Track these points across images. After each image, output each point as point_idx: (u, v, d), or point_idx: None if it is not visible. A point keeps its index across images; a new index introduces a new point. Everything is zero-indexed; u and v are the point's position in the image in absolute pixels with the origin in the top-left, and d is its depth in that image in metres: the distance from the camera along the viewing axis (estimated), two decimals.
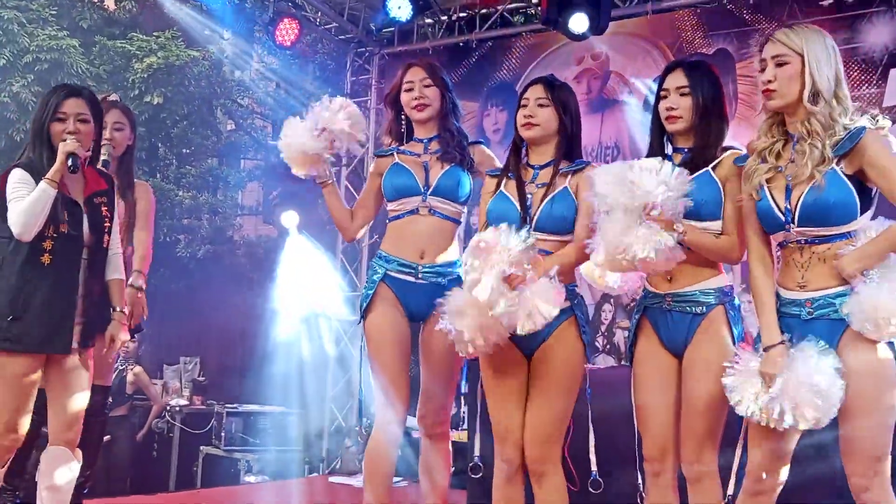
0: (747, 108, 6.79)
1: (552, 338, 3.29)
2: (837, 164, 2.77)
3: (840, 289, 2.78)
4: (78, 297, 3.59)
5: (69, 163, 3.51)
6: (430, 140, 3.83)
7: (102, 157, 3.99)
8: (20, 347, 3.47)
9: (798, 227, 2.81)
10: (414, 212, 3.75)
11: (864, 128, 2.77)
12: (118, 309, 3.79)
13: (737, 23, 6.90)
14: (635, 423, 3.25)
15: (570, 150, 3.45)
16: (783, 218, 2.83)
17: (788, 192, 2.83)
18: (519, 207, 3.35)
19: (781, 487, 2.95)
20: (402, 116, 3.91)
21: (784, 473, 2.93)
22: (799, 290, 2.84)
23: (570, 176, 3.37)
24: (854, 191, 2.76)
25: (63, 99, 3.60)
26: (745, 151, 3.15)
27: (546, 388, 3.32)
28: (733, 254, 3.15)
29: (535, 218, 3.33)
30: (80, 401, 3.62)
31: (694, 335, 3.13)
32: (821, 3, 6.57)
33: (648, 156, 3.25)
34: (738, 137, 6.29)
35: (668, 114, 3.19)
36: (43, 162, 3.56)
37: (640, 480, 3.33)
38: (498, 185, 3.47)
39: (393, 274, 3.73)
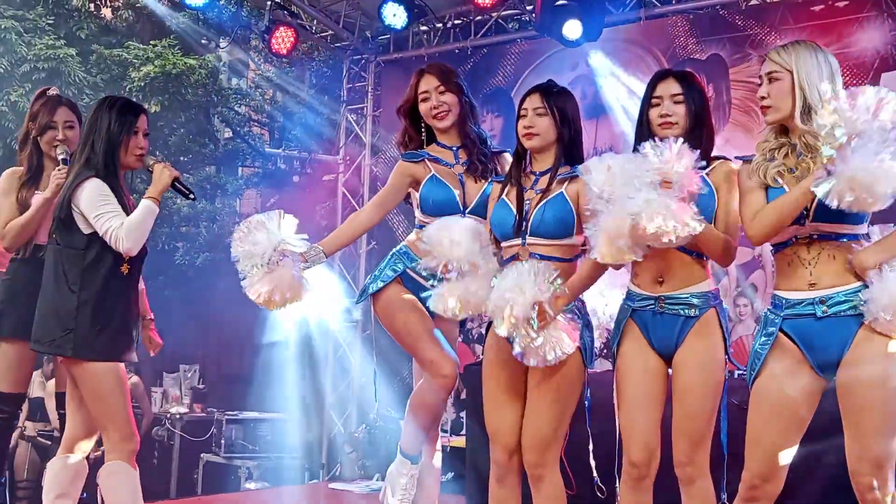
0: (741, 114, 6.84)
1: None
2: None
3: (853, 286, 2.81)
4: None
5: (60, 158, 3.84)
6: (458, 148, 3.85)
7: (61, 157, 3.98)
8: (114, 357, 3.63)
9: (813, 221, 2.84)
10: None
11: None
12: (148, 317, 4.11)
13: (729, 28, 6.95)
14: (618, 425, 3.27)
15: (570, 155, 3.46)
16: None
17: None
18: (516, 214, 3.38)
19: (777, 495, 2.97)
20: (423, 124, 3.90)
21: (781, 482, 2.95)
22: (809, 288, 2.86)
23: (567, 182, 3.38)
24: None
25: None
26: (732, 161, 3.25)
27: (544, 394, 3.33)
28: (733, 255, 3.20)
29: (530, 223, 3.36)
30: None
31: (686, 337, 3.15)
32: (812, 8, 6.62)
33: None
34: (732, 141, 6.41)
35: (663, 120, 3.22)
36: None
37: (616, 484, 3.35)
38: (501, 192, 3.51)
39: (412, 274, 3.73)
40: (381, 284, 3.75)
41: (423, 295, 3.53)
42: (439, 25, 8.29)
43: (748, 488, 2.96)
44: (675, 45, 7.20)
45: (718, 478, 3.21)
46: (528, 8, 7.66)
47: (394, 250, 3.87)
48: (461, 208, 3.73)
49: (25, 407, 7.03)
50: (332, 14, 8.23)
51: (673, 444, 3.16)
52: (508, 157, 3.81)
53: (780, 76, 2.92)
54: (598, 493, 3.48)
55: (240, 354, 9.20)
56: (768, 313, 3.01)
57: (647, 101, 3.30)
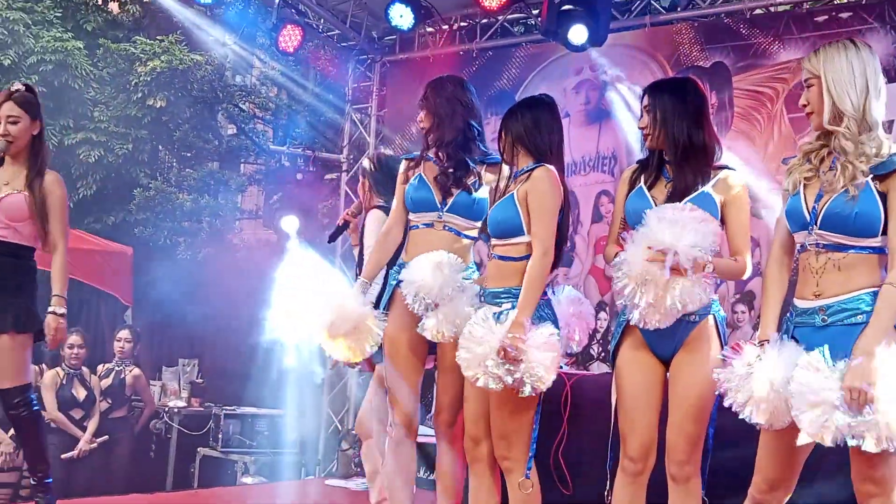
0: (744, 121, 6.88)
1: None
2: (873, 179, 2.81)
3: (853, 294, 2.81)
4: None
5: None
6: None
7: None
8: None
9: (819, 229, 2.86)
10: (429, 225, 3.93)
11: None
12: None
13: (734, 36, 6.98)
14: (613, 423, 3.36)
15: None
16: (808, 218, 2.89)
17: (819, 195, 2.88)
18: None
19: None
20: None
21: (791, 484, 2.97)
22: (814, 298, 2.87)
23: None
24: (882, 207, 2.79)
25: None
26: (735, 169, 3.33)
27: (494, 395, 3.45)
28: (746, 272, 3.30)
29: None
30: None
31: (684, 341, 3.23)
32: (816, 18, 6.67)
33: (643, 165, 3.41)
34: (734, 150, 6.44)
35: (642, 133, 3.42)
36: None
37: (607, 480, 3.43)
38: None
39: None
40: (380, 299, 4.00)
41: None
42: (445, 27, 8.33)
43: (758, 492, 2.99)
44: (680, 53, 7.24)
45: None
46: (535, 12, 7.70)
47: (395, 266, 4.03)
48: (437, 206, 3.89)
49: None
50: (339, 13, 8.27)
51: (669, 444, 3.24)
52: (505, 170, 3.89)
53: (812, 82, 2.95)
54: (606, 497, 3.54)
55: (238, 350, 9.23)
56: (786, 319, 3.02)
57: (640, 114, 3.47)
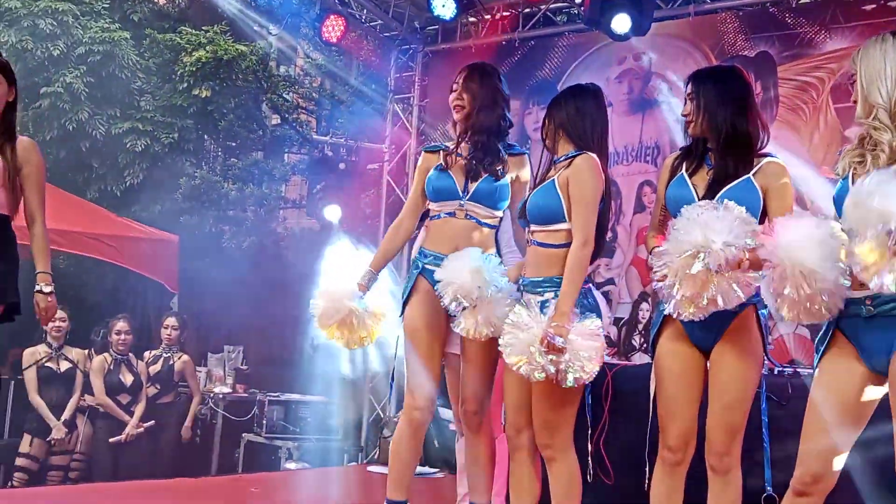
0: (789, 111, 6.81)
1: None
2: None
3: None
4: None
5: None
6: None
7: None
8: None
9: None
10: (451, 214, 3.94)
11: None
12: None
13: (779, 26, 6.91)
14: (652, 413, 3.37)
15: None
16: None
17: None
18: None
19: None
20: None
21: (834, 476, 2.93)
22: (860, 287, 2.78)
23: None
24: None
25: None
26: (778, 157, 3.31)
27: (536, 383, 3.46)
28: None
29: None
30: None
31: (725, 332, 3.22)
32: (863, 7, 6.57)
33: (686, 152, 3.41)
34: (779, 140, 6.37)
35: (685, 120, 3.41)
36: None
37: (646, 470, 3.44)
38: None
39: (429, 267, 3.88)
40: (405, 293, 3.97)
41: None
42: (487, 17, 8.33)
43: (801, 484, 2.97)
44: (724, 42, 7.18)
45: (762, 471, 3.26)
46: (577, 1, 7.68)
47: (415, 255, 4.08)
48: (460, 195, 3.89)
49: (81, 380, 7.24)
50: (382, 3, 8.31)
51: (708, 436, 3.24)
52: (527, 161, 4.04)
53: (855, 77, 2.94)
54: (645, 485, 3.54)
55: (282, 337, 9.32)
56: None
57: (684, 101, 3.47)
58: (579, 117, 3.61)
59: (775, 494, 3.26)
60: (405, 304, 3.96)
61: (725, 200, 3.09)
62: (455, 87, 4.00)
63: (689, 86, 3.43)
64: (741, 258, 2.94)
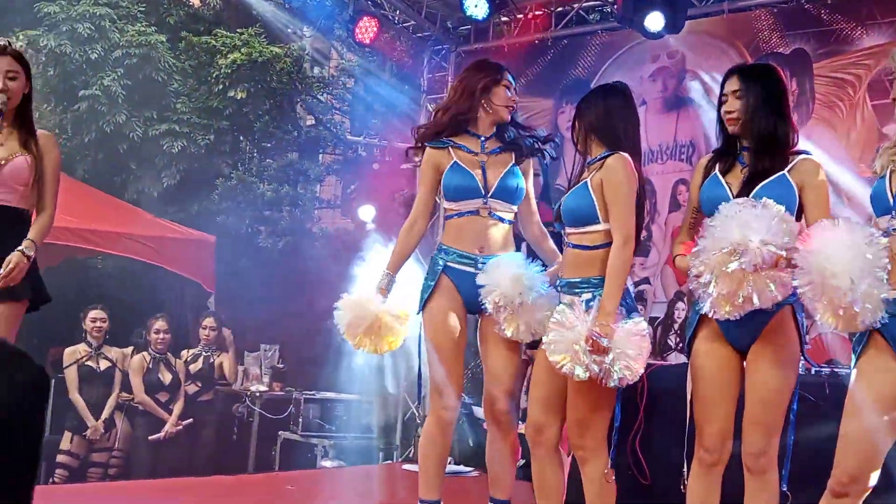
0: (825, 109, 6.76)
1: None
2: None
3: None
4: None
5: None
6: (487, 139, 4.00)
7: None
8: None
9: None
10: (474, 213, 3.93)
11: None
12: None
13: (814, 23, 6.86)
14: (689, 413, 3.36)
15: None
16: (891, 202, 2.86)
17: None
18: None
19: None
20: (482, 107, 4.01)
21: (874, 478, 2.93)
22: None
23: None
24: None
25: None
26: (812, 154, 3.30)
27: (572, 384, 3.48)
28: None
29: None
30: None
31: (762, 332, 3.20)
32: None
33: (720, 153, 3.40)
34: (815, 138, 6.35)
35: (727, 117, 3.35)
36: None
37: (684, 469, 3.43)
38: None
39: (453, 265, 3.89)
40: (427, 291, 3.94)
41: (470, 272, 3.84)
42: (520, 16, 8.34)
43: (838, 485, 2.96)
44: (759, 39, 7.14)
45: (781, 470, 3.25)
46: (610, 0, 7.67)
47: (434, 252, 4.04)
48: (483, 193, 3.88)
49: (120, 378, 7.34)
50: (415, 4, 8.35)
51: (745, 436, 3.23)
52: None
53: (894, 74, 2.95)
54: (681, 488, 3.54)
55: (318, 335, 9.35)
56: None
57: (719, 100, 3.42)
58: (609, 117, 3.60)
59: (788, 493, 3.25)
60: (426, 300, 3.94)
61: (764, 198, 3.07)
62: (510, 84, 4.01)
63: (735, 81, 3.35)
64: (779, 257, 2.93)
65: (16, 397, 0.63)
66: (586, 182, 3.54)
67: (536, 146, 4.02)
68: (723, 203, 3.12)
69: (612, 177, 3.49)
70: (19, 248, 3.76)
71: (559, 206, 3.67)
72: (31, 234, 3.85)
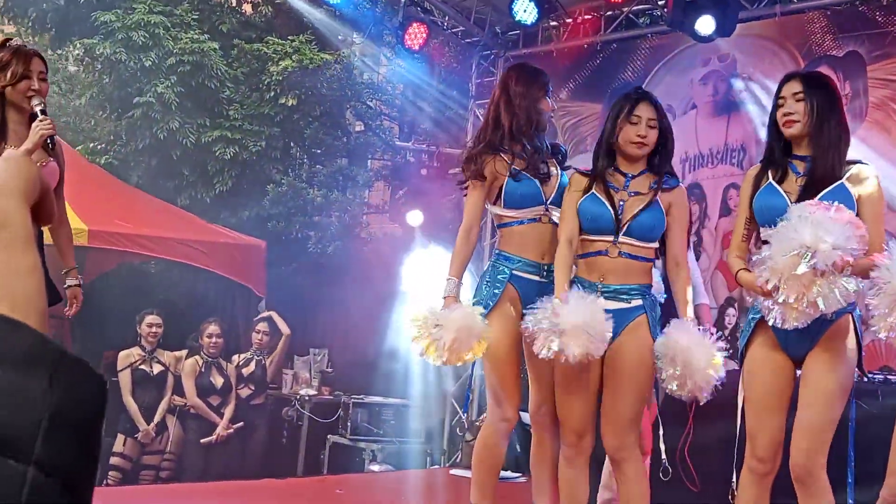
0: (879, 112, 6.64)
1: (623, 335, 3.48)
2: None
3: None
4: None
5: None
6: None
7: (38, 108, 3.69)
8: None
9: None
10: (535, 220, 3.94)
11: None
12: None
13: (869, 25, 6.74)
14: (740, 422, 3.34)
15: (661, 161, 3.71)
16: None
17: None
18: (611, 211, 3.58)
19: None
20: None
21: None
22: None
23: (661, 191, 3.62)
24: None
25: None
26: (869, 164, 3.25)
27: (619, 382, 3.51)
28: None
29: (629, 224, 3.57)
30: None
31: (820, 340, 3.17)
32: None
33: (766, 162, 3.38)
34: (869, 141, 6.25)
35: (785, 119, 3.32)
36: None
37: (733, 479, 3.41)
38: (589, 187, 3.67)
39: (519, 273, 3.88)
40: (493, 299, 3.86)
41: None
42: (569, 21, 8.32)
43: (892, 496, 2.93)
44: (811, 42, 7.04)
45: (845, 479, 3.21)
46: (660, 3, 7.61)
47: (492, 259, 4.01)
48: (544, 200, 3.91)
49: (172, 382, 7.45)
50: (464, 10, 8.37)
51: (794, 441, 3.20)
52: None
53: None
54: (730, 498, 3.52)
55: (367, 340, 9.44)
56: None
57: (775, 103, 3.41)
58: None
59: None
60: (491, 309, 3.89)
61: (835, 202, 3.05)
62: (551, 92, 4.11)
63: (793, 85, 3.36)
64: (847, 262, 2.91)
65: (80, 406, 0.65)
66: (658, 201, 3.58)
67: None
68: (791, 206, 3.10)
69: (682, 203, 3.67)
70: (74, 282, 4.02)
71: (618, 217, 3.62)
72: (69, 262, 4.03)
